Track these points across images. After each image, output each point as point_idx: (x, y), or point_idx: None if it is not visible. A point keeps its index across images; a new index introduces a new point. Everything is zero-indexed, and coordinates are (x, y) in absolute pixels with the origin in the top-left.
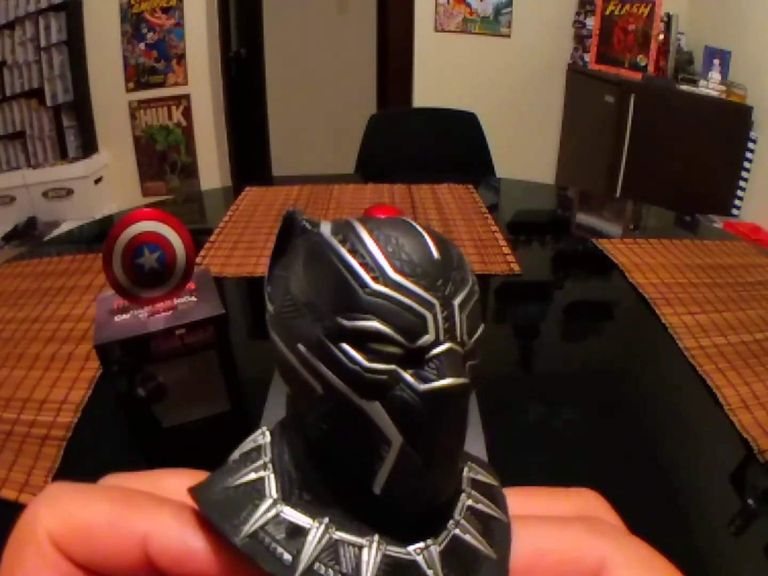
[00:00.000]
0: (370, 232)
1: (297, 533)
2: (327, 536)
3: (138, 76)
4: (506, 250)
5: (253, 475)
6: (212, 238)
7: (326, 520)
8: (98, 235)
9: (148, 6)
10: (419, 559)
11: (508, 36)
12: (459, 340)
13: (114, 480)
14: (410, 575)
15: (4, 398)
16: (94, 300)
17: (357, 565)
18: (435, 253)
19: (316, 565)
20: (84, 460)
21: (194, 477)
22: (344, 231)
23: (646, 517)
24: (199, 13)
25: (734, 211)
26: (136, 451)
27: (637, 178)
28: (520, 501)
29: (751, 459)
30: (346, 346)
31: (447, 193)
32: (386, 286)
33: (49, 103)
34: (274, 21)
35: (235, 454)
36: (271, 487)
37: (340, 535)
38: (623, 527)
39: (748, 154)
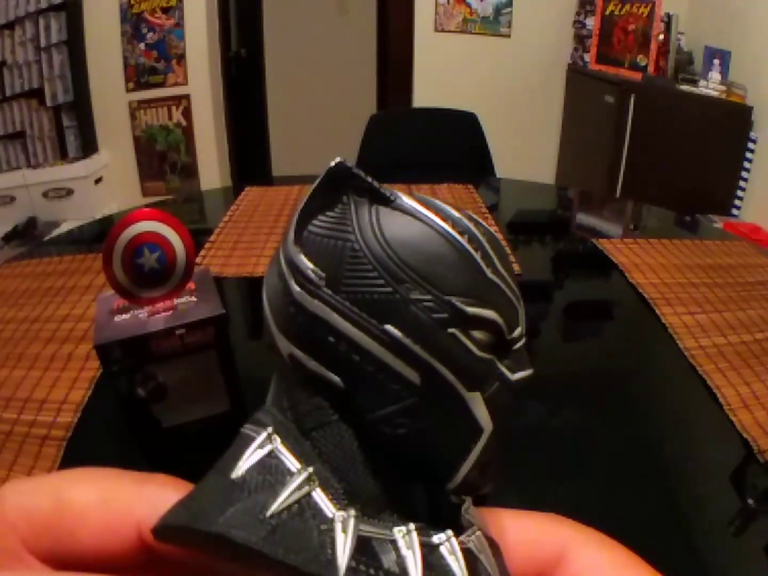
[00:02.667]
0: (459, 212)
1: (385, 549)
2: (417, 540)
3: (138, 76)
4: (506, 250)
5: (297, 494)
6: (212, 238)
7: (412, 526)
8: (98, 235)
9: (148, 6)
10: (471, 543)
11: (508, 36)
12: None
13: (12, 491)
14: (436, 565)
15: (4, 398)
16: (94, 300)
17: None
18: (490, 228)
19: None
20: (84, 460)
21: (102, 485)
22: (434, 206)
23: (646, 517)
24: (199, 13)
25: (734, 211)
26: (136, 451)
27: (637, 178)
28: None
29: (751, 459)
30: (458, 332)
31: (447, 193)
32: (497, 276)
33: (49, 103)
34: (274, 21)
35: (240, 468)
36: (327, 505)
37: (424, 539)
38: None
39: (748, 154)
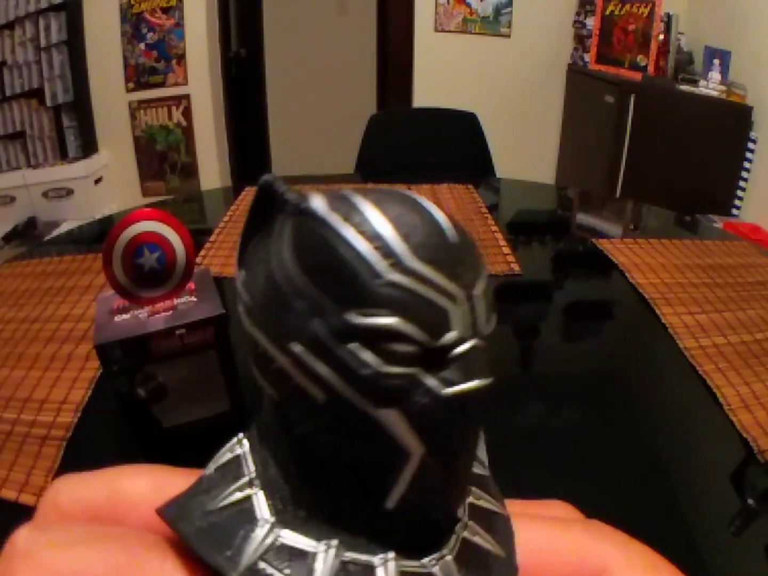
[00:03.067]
0: (379, 208)
1: (301, 558)
2: (337, 560)
3: (138, 76)
4: (506, 250)
5: (238, 495)
6: (212, 238)
7: (335, 542)
8: (98, 235)
9: (148, 6)
10: (435, 570)
11: (508, 36)
12: (483, 335)
13: (67, 484)
14: None
15: (4, 398)
16: (94, 300)
17: None
18: (453, 235)
19: None
20: (84, 460)
21: (155, 476)
22: (345, 207)
23: (646, 517)
24: (199, 13)
25: (734, 211)
26: (136, 451)
27: (637, 178)
28: None
29: (751, 459)
30: (356, 347)
31: (447, 193)
32: (405, 274)
33: (49, 103)
34: (274, 21)
35: (210, 468)
36: (262, 508)
37: (349, 555)
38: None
39: (748, 154)
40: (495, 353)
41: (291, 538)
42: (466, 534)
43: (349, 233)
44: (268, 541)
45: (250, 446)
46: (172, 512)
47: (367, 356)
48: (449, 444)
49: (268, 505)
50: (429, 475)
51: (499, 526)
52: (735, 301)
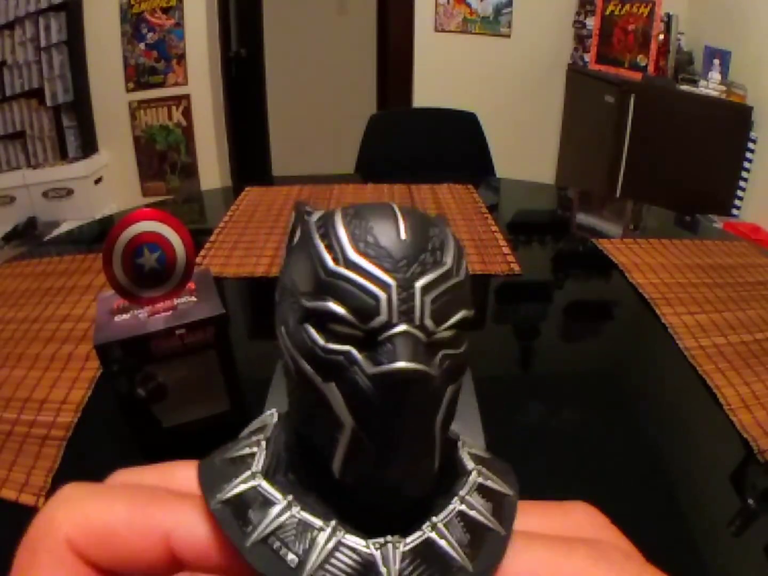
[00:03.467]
0: (344, 217)
1: (265, 505)
2: (288, 513)
3: (138, 76)
4: (506, 250)
5: (246, 450)
6: (212, 238)
7: (291, 497)
8: (98, 235)
9: (148, 6)
10: (376, 553)
11: (508, 36)
12: (418, 323)
13: (124, 476)
14: (363, 568)
15: (4, 398)
16: (94, 300)
17: (310, 547)
18: (403, 235)
19: (271, 539)
20: (84, 460)
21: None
22: (324, 220)
23: (646, 517)
24: (199, 13)
25: (734, 211)
26: (136, 451)
27: (637, 178)
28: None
29: (751, 459)
30: (308, 327)
31: (447, 193)
32: (345, 266)
33: (49, 103)
34: (274, 21)
35: (245, 431)
36: (258, 463)
37: (303, 515)
38: (627, 546)
39: (748, 154)
40: (496, 353)
41: (266, 488)
42: (432, 535)
43: (317, 239)
44: (247, 486)
45: (277, 419)
46: (207, 458)
47: (316, 335)
48: (380, 423)
49: (265, 462)
50: (362, 450)
51: (486, 543)
52: (735, 301)
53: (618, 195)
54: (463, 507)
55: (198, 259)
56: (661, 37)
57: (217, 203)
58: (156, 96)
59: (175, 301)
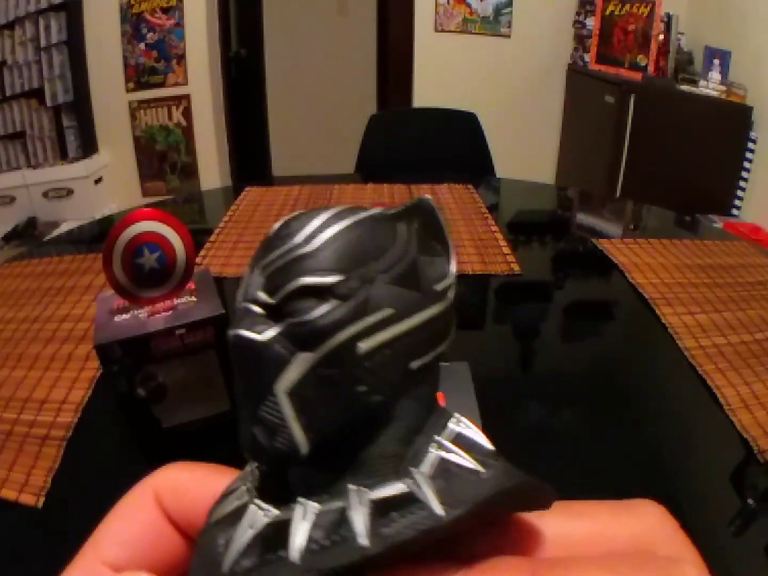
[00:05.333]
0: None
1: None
2: (245, 498)
3: (138, 76)
4: (506, 250)
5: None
6: (212, 238)
7: (249, 485)
8: (98, 235)
9: (148, 6)
10: (265, 519)
11: (508, 36)
12: (251, 298)
13: (174, 470)
14: (275, 530)
15: (4, 398)
16: (94, 300)
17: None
18: (275, 227)
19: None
20: (84, 460)
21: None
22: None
23: None
24: (199, 13)
25: (734, 211)
26: (136, 451)
27: (637, 178)
28: (567, 522)
29: (751, 459)
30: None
31: (447, 193)
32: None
33: (49, 103)
34: (274, 21)
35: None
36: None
37: (256, 501)
38: (693, 553)
39: (748, 154)
40: (496, 353)
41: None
42: (338, 504)
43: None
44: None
45: None
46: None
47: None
48: (238, 385)
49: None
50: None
51: (402, 514)
52: (735, 301)
53: (618, 195)
54: (407, 481)
55: (198, 259)
56: (661, 37)
57: (217, 203)
58: (156, 96)
59: (175, 301)
